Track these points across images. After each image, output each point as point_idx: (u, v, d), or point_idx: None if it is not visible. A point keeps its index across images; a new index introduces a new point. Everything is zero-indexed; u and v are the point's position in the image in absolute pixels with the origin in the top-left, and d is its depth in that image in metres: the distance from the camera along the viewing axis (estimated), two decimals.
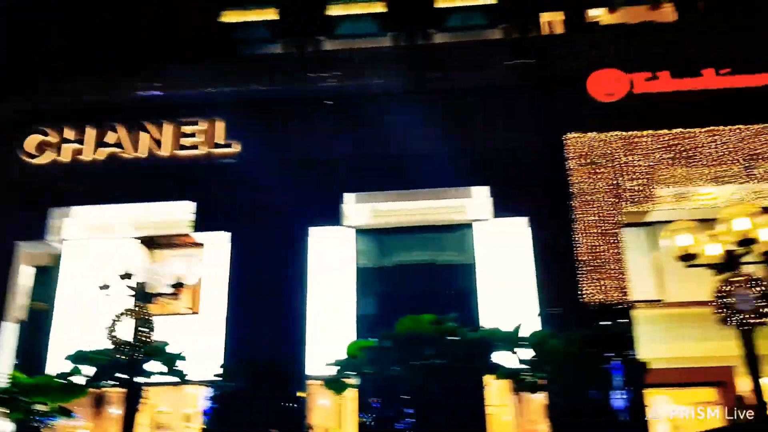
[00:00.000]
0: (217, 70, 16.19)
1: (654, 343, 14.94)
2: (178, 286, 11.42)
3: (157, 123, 15.80)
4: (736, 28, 15.57)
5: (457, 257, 15.82)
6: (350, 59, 16.01)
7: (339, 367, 11.23)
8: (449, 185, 14.85)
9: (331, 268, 15.10)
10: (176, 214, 15.47)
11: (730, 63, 14.54)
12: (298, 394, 13.53)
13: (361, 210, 15.43)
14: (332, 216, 14.94)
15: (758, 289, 8.53)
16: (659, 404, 16.89)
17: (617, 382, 12.80)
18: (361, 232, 15.56)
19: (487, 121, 15.09)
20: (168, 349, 11.84)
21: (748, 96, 14.36)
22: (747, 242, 8.70)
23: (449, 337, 10.80)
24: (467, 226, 15.92)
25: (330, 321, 14.50)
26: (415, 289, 15.56)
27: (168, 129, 15.75)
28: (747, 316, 8.43)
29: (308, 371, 13.89)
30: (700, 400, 16.89)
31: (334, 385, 11.53)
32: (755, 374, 8.49)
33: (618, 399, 12.88)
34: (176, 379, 11.93)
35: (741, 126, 14.01)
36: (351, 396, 13.05)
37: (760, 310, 8.47)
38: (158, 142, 15.71)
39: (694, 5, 16.69)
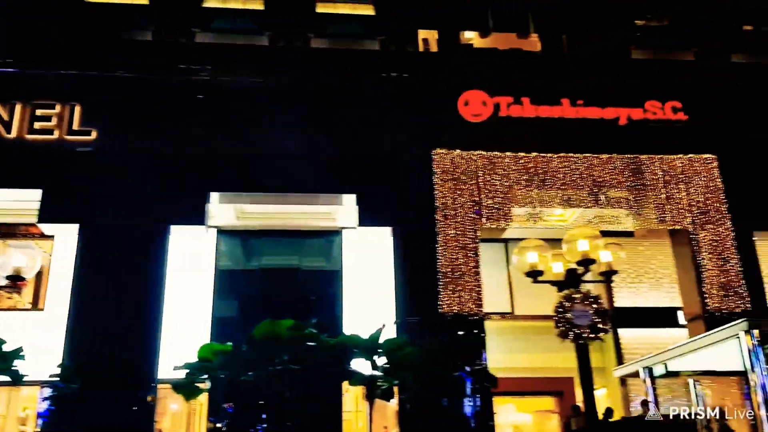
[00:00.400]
0: (79, 52, 15.21)
1: (503, 354, 15.77)
2: (16, 279, 10.56)
3: (8, 103, 14.62)
4: (592, 62, 16.84)
5: (324, 263, 15.85)
6: (224, 54, 15.63)
7: (188, 371, 10.86)
8: (317, 191, 14.84)
9: (191, 268, 14.61)
10: (20, 202, 14.32)
11: (585, 95, 15.65)
12: (149, 398, 12.95)
13: (225, 210, 15.07)
14: (195, 214, 14.43)
15: (594, 306, 9.22)
16: (505, 411, 17.85)
17: (468, 390, 13.38)
18: (224, 233, 15.19)
19: (359, 130, 15.27)
20: (4, 347, 10.92)
21: (598, 126, 15.52)
22: (586, 262, 9.37)
23: (308, 343, 10.81)
24: (336, 233, 16.00)
25: (187, 323, 14.01)
26: (279, 294, 15.38)
27: (19, 110, 14.60)
28: (583, 330, 9.07)
29: (161, 374, 13.31)
30: (540, 408, 18.03)
31: (184, 389, 11.11)
32: (589, 385, 9.14)
33: (468, 406, 13.46)
34: (9, 379, 11.01)
35: (590, 154, 15.11)
36: (203, 401, 12.68)
37: (596, 326, 9.13)
38: (7, 124, 14.51)
39: (558, 38, 17.82)
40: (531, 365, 16.45)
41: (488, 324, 15.12)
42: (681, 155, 15.25)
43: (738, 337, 11.40)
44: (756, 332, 11.29)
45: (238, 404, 11.74)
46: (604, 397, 16.45)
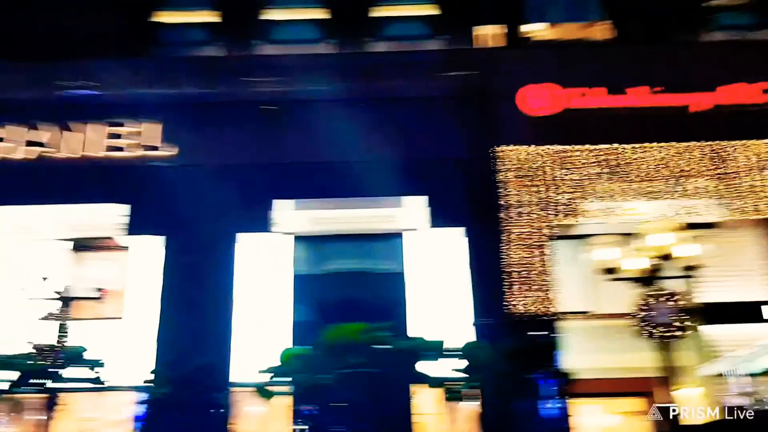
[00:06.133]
0: (151, 71, 15.77)
1: (582, 354, 15.23)
2: (100, 290, 11.09)
3: (90, 122, 15.33)
4: (665, 48, 16.10)
5: (389, 266, 15.77)
6: (287, 64, 15.79)
7: (271, 374, 11.20)
8: (385, 194, 14.78)
9: (263, 274, 14.93)
10: (104, 217, 14.96)
11: (659, 82, 14.90)
12: (225, 401, 13.32)
13: (294, 216, 15.29)
14: (262, 222, 14.72)
15: (675, 303, 8.78)
16: (588, 413, 17.25)
17: (543, 392, 13.03)
18: (298, 238, 15.44)
19: (423, 132, 15.11)
20: (87, 355, 11.48)
21: (675, 115, 14.78)
22: (666, 258, 8.93)
23: (377, 346, 10.84)
24: (398, 235, 15.94)
25: (263, 327, 14.32)
26: (351, 297, 15.48)
27: (100, 129, 15.29)
28: (664, 329, 8.65)
29: (240, 378, 13.64)
30: (629, 409, 17.29)
31: (262, 392, 11.48)
32: (673, 385, 8.72)
33: (545, 408, 13.11)
34: (92, 385, 11.58)
35: (665, 143, 14.41)
36: (283, 403, 12.94)
37: (678, 324, 8.69)
38: (89, 143, 15.21)
39: (626, 25, 17.15)
40: (613, 365, 15.80)
41: (565, 324, 14.65)
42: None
43: None
44: None
45: (315, 407, 11.97)
46: (699, 397, 15.63)
